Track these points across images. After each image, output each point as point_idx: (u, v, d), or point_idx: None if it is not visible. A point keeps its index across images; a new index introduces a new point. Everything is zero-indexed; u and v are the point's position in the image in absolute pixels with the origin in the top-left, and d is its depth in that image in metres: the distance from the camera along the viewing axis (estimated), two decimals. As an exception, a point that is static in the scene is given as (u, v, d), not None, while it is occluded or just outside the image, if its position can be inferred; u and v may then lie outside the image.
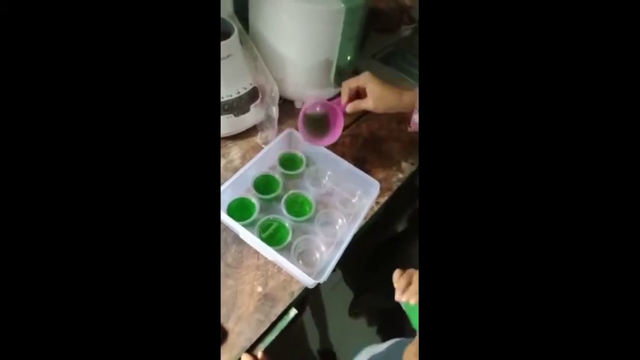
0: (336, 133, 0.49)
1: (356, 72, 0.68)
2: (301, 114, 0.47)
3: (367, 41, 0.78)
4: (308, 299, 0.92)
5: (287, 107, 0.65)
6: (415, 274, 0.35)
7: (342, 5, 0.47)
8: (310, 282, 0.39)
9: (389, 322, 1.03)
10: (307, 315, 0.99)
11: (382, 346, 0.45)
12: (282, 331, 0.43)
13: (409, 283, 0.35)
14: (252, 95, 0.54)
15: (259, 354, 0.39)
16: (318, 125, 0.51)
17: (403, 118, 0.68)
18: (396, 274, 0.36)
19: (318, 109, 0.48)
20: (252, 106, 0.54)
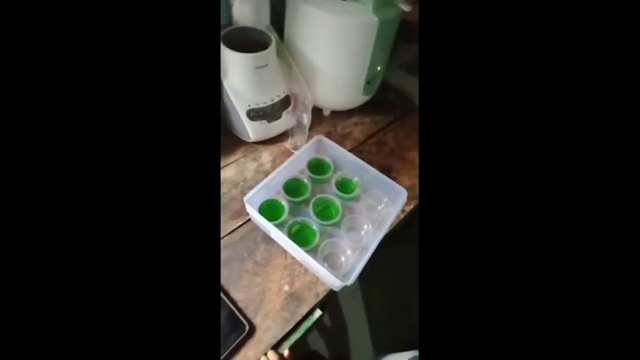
0: None
1: (382, 82, 0.70)
2: None
3: (394, 52, 0.80)
4: (327, 303, 0.93)
5: (315, 114, 0.67)
6: None
7: (376, 18, 0.49)
8: (337, 283, 0.40)
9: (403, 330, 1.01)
10: (325, 318, 0.99)
11: (404, 356, 0.45)
12: (306, 332, 0.44)
13: None
14: (285, 103, 0.57)
15: (285, 352, 0.41)
16: None
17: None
18: None
19: None
20: (284, 112, 0.57)
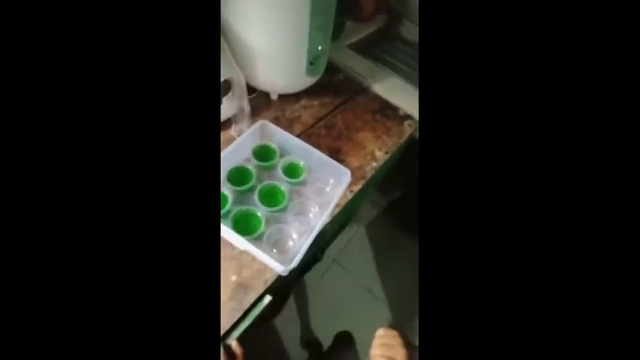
0: None
1: (331, 63, 0.69)
2: None
3: (342, 31, 0.78)
4: (293, 288, 0.94)
5: (262, 98, 0.65)
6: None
7: (308, -5, 0.47)
8: (281, 269, 0.40)
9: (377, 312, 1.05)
10: (291, 304, 1.01)
11: None
12: (262, 320, 0.44)
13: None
14: (224, 88, 0.54)
15: (233, 343, 0.40)
16: None
17: (377, 109, 0.69)
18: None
19: None
20: (224, 98, 0.54)
